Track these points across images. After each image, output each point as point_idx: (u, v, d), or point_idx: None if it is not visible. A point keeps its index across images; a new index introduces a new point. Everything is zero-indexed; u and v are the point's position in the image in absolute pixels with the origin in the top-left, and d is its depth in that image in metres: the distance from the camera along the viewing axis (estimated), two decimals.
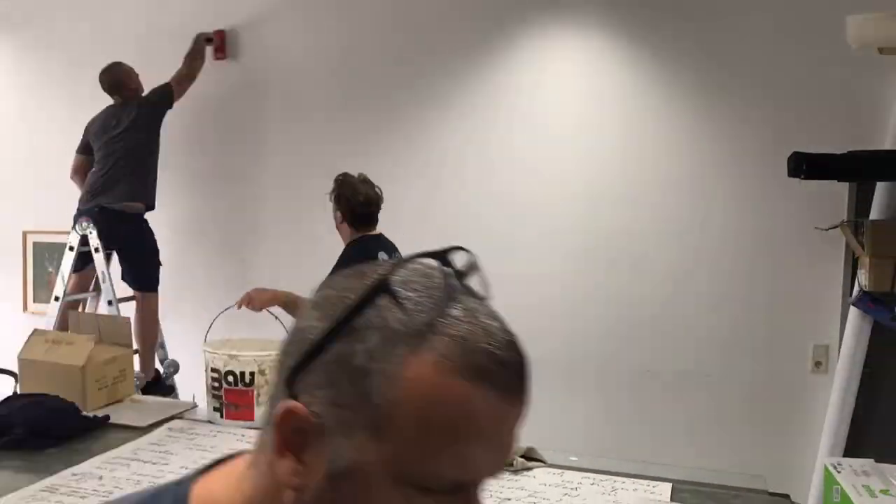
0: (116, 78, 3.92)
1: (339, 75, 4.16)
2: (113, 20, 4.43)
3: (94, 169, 3.91)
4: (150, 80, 4.01)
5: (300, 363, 0.62)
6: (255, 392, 2.37)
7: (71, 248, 3.78)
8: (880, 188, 3.46)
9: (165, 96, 3.93)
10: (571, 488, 1.96)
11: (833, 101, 3.55)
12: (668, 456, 2.97)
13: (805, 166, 3.22)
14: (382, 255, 2.83)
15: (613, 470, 2.10)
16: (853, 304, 3.43)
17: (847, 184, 3.55)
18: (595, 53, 3.84)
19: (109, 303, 3.72)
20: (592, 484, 1.98)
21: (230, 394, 2.37)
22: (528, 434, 0.71)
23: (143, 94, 3.97)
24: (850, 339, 3.45)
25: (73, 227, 3.80)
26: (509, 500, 1.86)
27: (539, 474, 2.04)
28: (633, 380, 3.76)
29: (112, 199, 3.79)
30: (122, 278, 3.92)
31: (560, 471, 2.07)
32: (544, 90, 3.89)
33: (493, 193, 3.94)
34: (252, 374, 2.37)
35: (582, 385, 3.80)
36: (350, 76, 4.15)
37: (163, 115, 3.94)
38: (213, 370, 2.41)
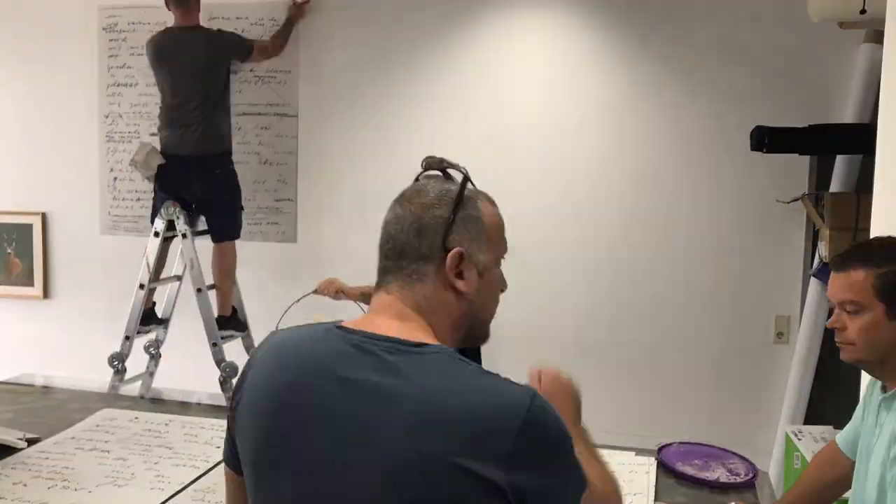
0: None
1: (310, 58, 4.12)
2: None
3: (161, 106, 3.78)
4: None
5: (448, 226, 1.11)
6: None
7: (156, 234, 3.60)
8: (840, 161, 3.52)
9: (242, 43, 3.84)
10: None
11: (794, 76, 3.59)
12: (633, 426, 3.03)
13: (767, 140, 3.26)
14: None
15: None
16: (813, 276, 3.50)
17: (808, 157, 3.61)
18: (560, 31, 3.83)
19: (199, 290, 3.58)
20: None
21: None
22: None
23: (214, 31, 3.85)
24: (811, 309, 3.53)
25: (159, 213, 3.63)
26: None
27: None
28: (600, 352, 3.81)
29: (184, 147, 3.65)
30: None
31: None
32: (509, 66, 3.89)
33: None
34: None
35: (548, 357, 3.83)
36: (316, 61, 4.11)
37: (231, 56, 3.82)
38: None
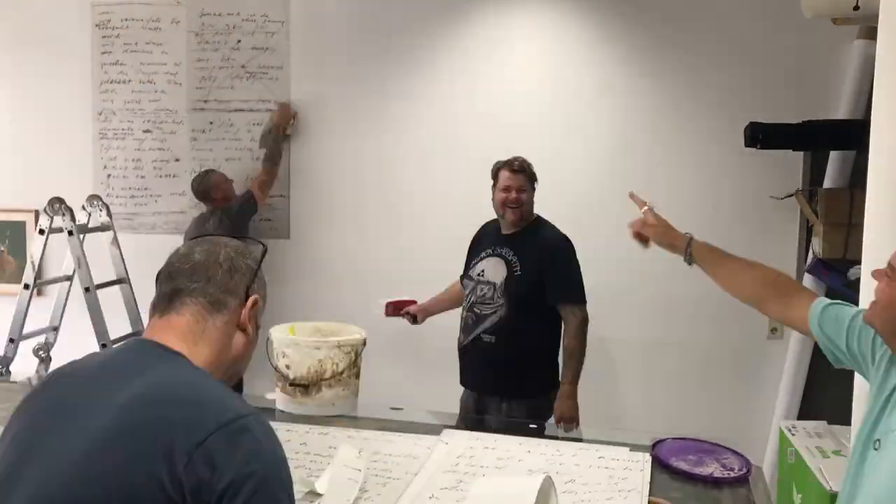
0: (205, 188, 3.93)
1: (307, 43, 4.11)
2: None
3: None
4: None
5: (253, 276, 1.31)
6: (321, 379, 2.29)
7: (41, 232, 3.47)
8: (834, 157, 3.52)
9: (248, 205, 3.91)
10: (556, 453, 1.97)
11: (788, 72, 3.59)
12: (627, 422, 3.04)
13: (761, 136, 3.27)
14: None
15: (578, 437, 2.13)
16: (807, 271, 3.50)
17: (802, 153, 3.61)
18: (556, 28, 3.83)
19: (87, 290, 3.47)
20: (573, 455, 1.98)
21: (298, 379, 2.28)
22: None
23: (230, 204, 3.92)
24: None
25: (44, 209, 3.50)
26: (484, 466, 1.87)
27: (519, 442, 2.06)
28: (593, 349, 3.79)
29: None
30: None
31: (538, 439, 2.10)
32: (502, 59, 3.89)
33: (458, 167, 3.95)
34: (320, 360, 2.28)
35: None
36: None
37: (248, 219, 3.93)
38: (284, 355, 2.33)
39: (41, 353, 3.63)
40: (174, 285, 1.27)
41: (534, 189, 3.01)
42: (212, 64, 4.22)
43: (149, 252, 4.40)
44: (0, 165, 4.50)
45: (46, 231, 3.41)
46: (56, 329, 3.64)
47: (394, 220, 4.05)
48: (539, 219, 3.05)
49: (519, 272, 2.92)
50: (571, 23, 3.82)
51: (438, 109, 3.97)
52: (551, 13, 3.83)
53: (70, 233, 3.42)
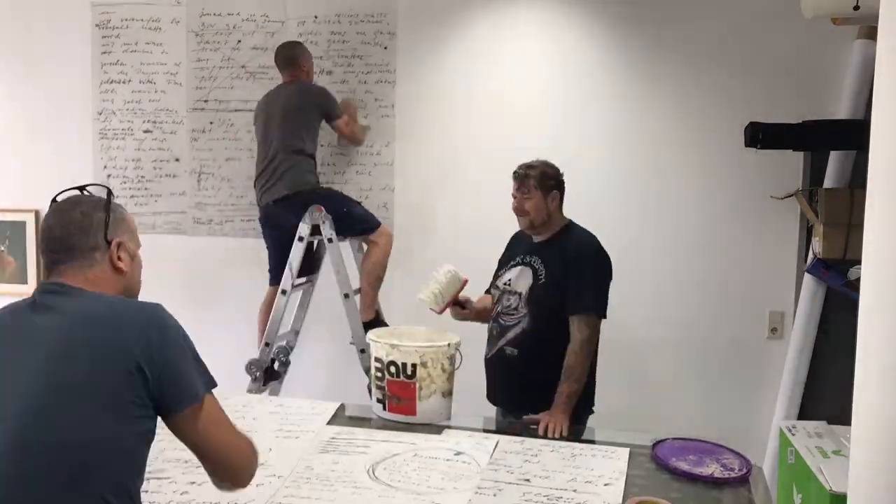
0: (294, 54, 3.78)
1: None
2: None
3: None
4: None
5: (106, 225, 1.55)
6: (417, 385, 2.22)
7: (300, 239, 3.50)
8: (834, 157, 3.52)
9: (329, 99, 3.77)
10: (532, 454, 1.99)
11: (788, 72, 3.59)
12: (629, 421, 3.03)
13: (761, 136, 3.27)
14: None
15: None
16: (807, 271, 3.50)
17: (802, 153, 3.61)
18: (555, 28, 3.83)
19: (346, 296, 3.49)
20: (552, 451, 2.01)
21: (393, 385, 2.23)
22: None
23: (308, 81, 3.81)
24: (805, 305, 3.53)
25: (303, 218, 3.53)
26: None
27: (501, 442, 2.07)
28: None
29: (276, 193, 3.63)
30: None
31: (521, 439, 2.10)
32: (500, 63, 3.89)
33: (455, 166, 3.95)
34: (414, 365, 2.22)
35: None
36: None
37: (321, 111, 3.76)
38: (377, 360, 2.27)
39: (281, 356, 3.74)
40: (51, 258, 1.52)
41: (548, 194, 2.82)
42: (212, 64, 4.22)
43: (148, 252, 4.41)
44: (0, 165, 4.51)
45: (305, 238, 3.49)
46: (297, 332, 3.79)
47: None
48: (569, 225, 2.88)
49: (543, 281, 2.75)
50: (572, 22, 3.82)
51: (440, 109, 3.97)
52: (552, 14, 3.83)
53: (329, 240, 3.49)
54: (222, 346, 4.21)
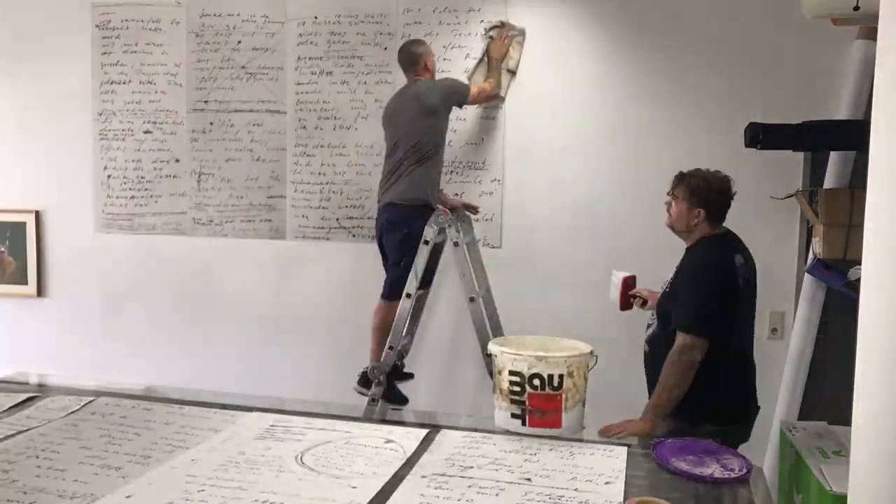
0: (414, 55, 3.67)
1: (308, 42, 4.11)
2: None
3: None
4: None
5: None
6: (564, 396, 2.15)
7: (426, 242, 3.38)
8: (834, 157, 3.52)
9: (458, 88, 3.68)
10: (531, 453, 1.99)
11: (788, 72, 3.59)
12: None
13: (761, 136, 3.26)
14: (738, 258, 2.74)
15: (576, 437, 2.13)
16: (808, 272, 3.50)
17: (802, 153, 3.61)
18: (550, 25, 3.83)
19: (471, 299, 3.37)
20: (551, 450, 2.02)
21: (535, 398, 2.14)
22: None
23: (431, 78, 3.71)
24: (805, 305, 3.54)
25: (430, 222, 3.42)
26: (471, 467, 1.88)
27: (499, 441, 2.07)
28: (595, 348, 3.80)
29: (393, 196, 3.56)
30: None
31: (519, 437, 2.11)
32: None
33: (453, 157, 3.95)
34: (561, 376, 2.14)
35: None
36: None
37: (449, 105, 3.66)
38: (514, 373, 2.17)
39: (398, 361, 3.62)
40: None
41: (693, 208, 2.76)
42: (212, 65, 4.22)
43: (149, 253, 4.45)
44: (0, 166, 4.52)
45: (431, 241, 3.39)
46: (412, 335, 3.70)
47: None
48: (709, 239, 2.79)
49: (667, 289, 2.79)
50: (573, 22, 3.82)
51: None
52: (552, 13, 3.83)
53: (456, 243, 3.42)
54: (222, 347, 4.24)
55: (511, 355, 2.18)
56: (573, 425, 2.16)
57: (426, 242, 3.37)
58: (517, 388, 2.16)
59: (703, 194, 2.75)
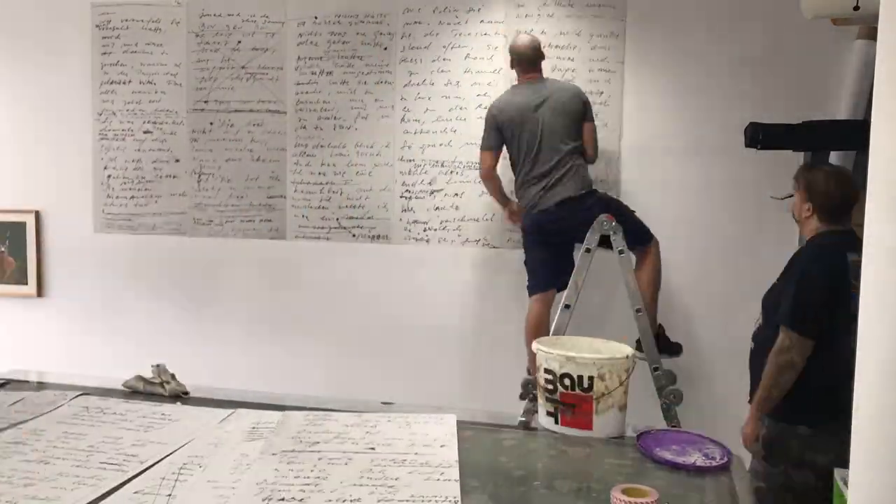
0: (538, 50, 3.61)
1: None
2: None
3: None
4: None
5: None
6: (594, 399, 2.13)
7: (588, 250, 3.21)
8: (834, 157, 3.52)
9: (590, 110, 3.60)
10: (371, 426, 2.08)
11: (788, 72, 3.60)
12: (628, 419, 3.02)
13: (761, 136, 3.27)
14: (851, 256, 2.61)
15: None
16: None
17: (802, 153, 3.61)
18: (549, 24, 3.84)
19: (638, 311, 3.17)
20: (388, 421, 2.10)
21: (567, 398, 2.14)
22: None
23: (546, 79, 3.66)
24: None
25: (592, 228, 3.24)
26: (317, 442, 1.96)
27: (341, 417, 2.14)
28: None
29: (561, 194, 3.50)
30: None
31: (358, 413, 2.19)
32: (501, 63, 3.89)
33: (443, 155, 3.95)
34: (591, 378, 2.12)
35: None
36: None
37: (570, 120, 3.55)
38: (548, 371, 2.17)
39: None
40: None
41: (805, 203, 2.78)
42: (212, 65, 4.23)
43: (149, 253, 4.46)
44: (0, 166, 4.52)
45: (593, 249, 3.21)
46: None
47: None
48: (819, 234, 2.76)
49: (774, 283, 2.79)
50: (572, 22, 3.83)
51: (436, 110, 3.97)
52: (551, 13, 3.84)
53: (621, 251, 3.24)
54: (221, 346, 4.25)
55: (545, 353, 2.18)
56: (607, 429, 2.13)
57: (588, 251, 3.17)
58: (551, 387, 2.17)
59: (815, 190, 2.74)
